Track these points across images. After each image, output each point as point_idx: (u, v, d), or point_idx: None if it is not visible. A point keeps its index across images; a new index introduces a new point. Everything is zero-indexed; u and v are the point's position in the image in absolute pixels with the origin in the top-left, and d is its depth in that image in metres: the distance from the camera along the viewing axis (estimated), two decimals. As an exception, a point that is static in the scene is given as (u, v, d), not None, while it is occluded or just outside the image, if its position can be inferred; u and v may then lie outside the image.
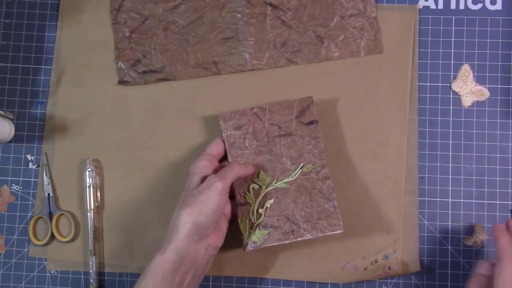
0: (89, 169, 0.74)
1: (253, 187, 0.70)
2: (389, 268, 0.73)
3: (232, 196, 0.70)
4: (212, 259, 0.68)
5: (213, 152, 0.70)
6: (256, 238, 0.69)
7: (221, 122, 0.70)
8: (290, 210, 0.69)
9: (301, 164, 0.70)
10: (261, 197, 0.70)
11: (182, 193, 0.67)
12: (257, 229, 0.69)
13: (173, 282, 0.63)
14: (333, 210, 0.69)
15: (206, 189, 0.64)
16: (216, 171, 0.68)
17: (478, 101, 0.75)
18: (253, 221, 0.69)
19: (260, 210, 0.70)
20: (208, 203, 0.64)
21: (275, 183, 0.70)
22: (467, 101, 0.74)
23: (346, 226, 0.72)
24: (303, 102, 0.70)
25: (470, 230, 0.73)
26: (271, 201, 0.70)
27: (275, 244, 0.69)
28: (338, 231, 0.69)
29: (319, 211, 0.69)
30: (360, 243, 0.73)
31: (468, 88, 0.74)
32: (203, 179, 0.66)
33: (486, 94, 0.74)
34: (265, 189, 0.70)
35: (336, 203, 0.69)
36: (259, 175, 0.70)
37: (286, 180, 0.70)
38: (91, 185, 0.74)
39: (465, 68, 0.75)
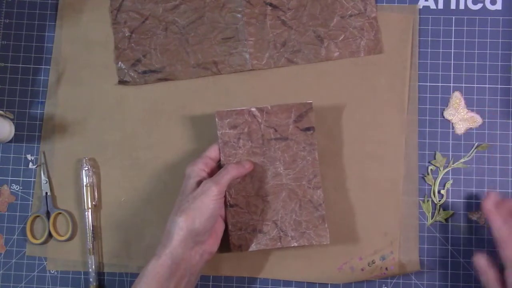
0: (86, 168, 0.74)
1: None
2: (386, 269, 0.73)
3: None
4: (206, 263, 0.68)
5: (211, 155, 0.69)
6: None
7: (217, 119, 0.70)
8: (279, 216, 0.70)
9: None
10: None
11: (178, 197, 0.67)
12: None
13: None
14: (321, 222, 0.69)
15: (201, 195, 0.64)
16: (212, 174, 0.67)
17: (471, 128, 0.74)
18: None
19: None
20: (203, 210, 0.64)
21: None
22: (459, 129, 0.74)
23: (343, 226, 0.73)
24: (302, 107, 0.70)
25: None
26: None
27: (262, 249, 0.70)
28: (324, 243, 0.69)
29: (307, 220, 0.69)
30: (357, 244, 0.73)
31: (460, 116, 0.74)
32: (199, 183, 0.66)
33: (479, 120, 0.74)
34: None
35: (324, 213, 0.69)
36: None
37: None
38: (88, 184, 0.74)
39: (456, 95, 0.74)
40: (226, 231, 0.70)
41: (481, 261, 0.67)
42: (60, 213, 0.75)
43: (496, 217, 0.67)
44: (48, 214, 0.75)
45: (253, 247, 0.70)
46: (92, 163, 0.75)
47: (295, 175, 0.69)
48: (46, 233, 0.74)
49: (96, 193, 0.75)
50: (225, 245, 0.70)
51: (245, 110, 0.70)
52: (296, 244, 0.70)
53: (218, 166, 0.70)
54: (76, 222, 0.75)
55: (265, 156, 0.70)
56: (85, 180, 0.74)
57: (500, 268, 0.66)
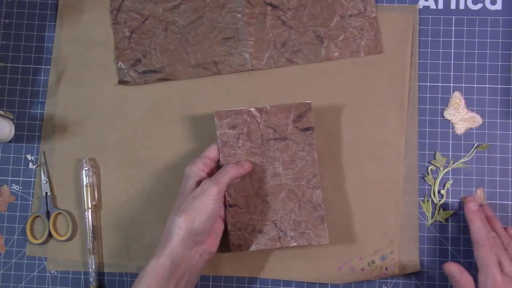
0: (86, 168, 0.74)
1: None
2: (386, 269, 0.73)
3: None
4: (206, 264, 0.68)
5: (210, 155, 0.69)
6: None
7: (216, 119, 0.70)
8: (278, 216, 0.70)
9: None
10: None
11: (177, 197, 0.67)
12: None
13: None
14: (320, 222, 0.69)
15: (201, 195, 0.64)
16: (211, 174, 0.67)
17: (471, 128, 0.74)
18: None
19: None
20: (202, 210, 0.64)
21: None
22: (459, 129, 0.74)
23: (343, 226, 0.73)
24: (301, 107, 0.70)
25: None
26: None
27: (261, 249, 0.70)
28: (324, 243, 0.69)
29: (306, 220, 0.69)
30: (357, 244, 0.73)
31: (460, 116, 0.74)
32: (198, 183, 0.66)
33: (479, 120, 0.74)
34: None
35: (323, 213, 0.69)
36: None
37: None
38: (88, 184, 0.74)
39: (456, 95, 0.74)
40: (225, 231, 0.70)
41: (453, 266, 0.67)
42: (60, 213, 0.75)
43: (476, 218, 0.68)
44: (48, 214, 0.75)
45: (252, 247, 0.70)
46: (92, 163, 0.75)
47: (294, 175, 0.69)
48: (46, 233, 0.74)
49: (96, 193, 0.75)
50: (225, 245, 0.70)
51: (244, 110, 0.70)
52: (295, 244, 0.70)
53: (217, 166, 0.70)
54: (76, 222, 0.75)
55: (264, 156, 0.70)
56: (85, 180, 0.74)
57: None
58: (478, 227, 0.67)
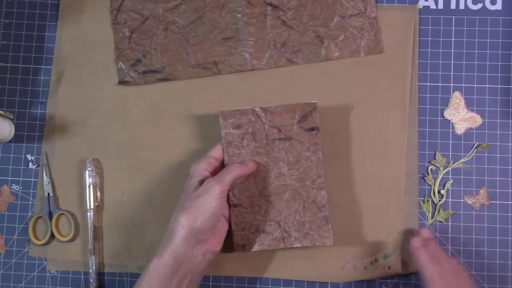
0: (89, 169, 0.74)
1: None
2: (389, 267, 0.73)
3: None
4: (209, 263, 0.67)
5: (215, 155, 0.69)
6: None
7: (220, 119, 0.69)
8: (282, 216, 0.70)
9: None
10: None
11: (181, 196, 0.67)
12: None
13: (170, 287, 0.62)
14: (324, 223, 0.69)
15: (204, 193, 0.64)
16: (215, 174, 0.67)
17: (471, 128, 0.74)
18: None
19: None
20: (205, 208, 0.64)
21: None
22: (460, 129, 0.74)
23: (345, 225, 0.73)
24: (306, 107, 0.70)
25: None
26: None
27: (265, 249, 0.70)
28: (328, 244, 0.69)
29: (310, 221, 0.69)
30: (359, 243, 0.73)
31: (460, 116, 0.74)
32: (202, 182, 0.66)
33: (479, 120, 0.74)
34: None
35: (328, 214, 0.69)
36: None
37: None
38: (91, 185, 0.74)
39: (456, 95, 0.75)
40: (229, 231, 0.70)
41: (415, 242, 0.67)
42: (62, 213, 0.75)
43: (423, 254, 0.66)
44: (50, 215, 0.74)
45: (256, 247, 0.70)
46: (95, 163, 0.75)
47: (299, 175, 0.69)
48: (49, 234, 0.74)
49: (98, 194, 0.74)
50: (228, 245, 0.70)
51: (249, 110, 0.70)
52: (299, 245, 0.69)
53: (222, 166, 0.70)
54: (78, 223, 0.75)
55: (269, 156, 0.70)
56: (88, 180, 0.74)
57: None
58: (426, 264, 0.65)
